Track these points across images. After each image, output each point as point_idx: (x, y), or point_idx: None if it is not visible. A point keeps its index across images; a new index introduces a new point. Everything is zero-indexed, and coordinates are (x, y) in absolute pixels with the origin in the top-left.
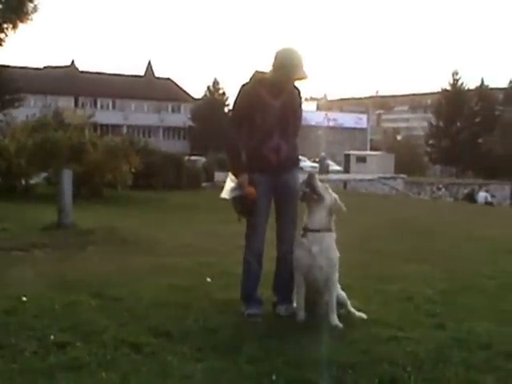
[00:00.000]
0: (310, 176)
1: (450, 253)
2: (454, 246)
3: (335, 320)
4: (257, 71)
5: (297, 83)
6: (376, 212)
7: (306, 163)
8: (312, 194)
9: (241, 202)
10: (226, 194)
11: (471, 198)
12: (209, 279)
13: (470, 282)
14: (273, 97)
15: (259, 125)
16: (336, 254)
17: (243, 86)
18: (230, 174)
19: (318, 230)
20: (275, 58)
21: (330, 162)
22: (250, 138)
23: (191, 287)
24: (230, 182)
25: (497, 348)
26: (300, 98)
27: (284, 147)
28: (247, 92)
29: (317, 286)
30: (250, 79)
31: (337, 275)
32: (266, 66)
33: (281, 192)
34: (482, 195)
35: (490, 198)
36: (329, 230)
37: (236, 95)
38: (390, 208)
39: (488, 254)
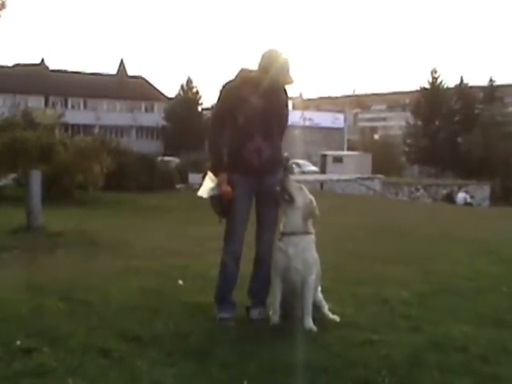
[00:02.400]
0: (284, 177)
1: (427, 254)
2: (431, 247)
3: (310, 323)
4: (243, 69)
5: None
6: (353, 213)
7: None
8: (283, 195)
9: (218, 202)
10: (203, 192)
11: (450, 198)
12: (180, 282)
13: (446, 284)
14: (257, 97)
15: (241, 125)
16: (313, 256)
17: (227, 83)
18: (209, 173)
19: (292, 233)
20: (262, 59)
21: (305, 163)
22: (231, 137)
23: (162, 290)
24: (208, 181)
25: (473, 351)
26: (286, 98)
27: (266, 149)
28: (231, 90)
29: (293, 289)
30: (236, 77)
31: (313, 277)
32: (252, 64)
33: (262, 195)
34: (460, 196)
35: (469, 199)
36: (305, 232)
37: (219, 92)
38: (367, 209)
39: (466, 256)
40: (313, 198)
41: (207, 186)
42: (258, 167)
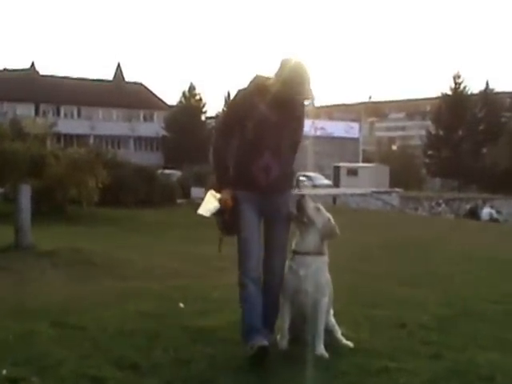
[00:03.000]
0: (301, 198)
1: (449, 275)
2: (453, 267)
3: (321, 349)
4: (258, 76)
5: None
6: (368, 230)
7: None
8: (302, 218)
9: (221, 217)
10: (204, 210)
11: (474, 214)
12: (181, 305)
13: (470, 307)
14: (270, 108)
15: (250, 139)
16: (326, 278)
17: (240, 90)
18: (211, 190)
19: (306, 253)
20: (281, 68)
21: (317, 175)
22: (239, 152)
23: (161, 314)
24: (210, 198)
25: (500, 380)
26: (303, 112)
27: (275, 167)
28: (243, 98)
29: (303, 312)
30: (249, 84)
31: (326, 300)
32: (269, 71)
33: (270, 216)
34: (486, 211)
35: (495, 215)
36: (319, 253)
37: (231, 100)
38: (383, 226)
39: (491, 276)
40: (331, 217)
41: (208, 203)
42: (265, 186)
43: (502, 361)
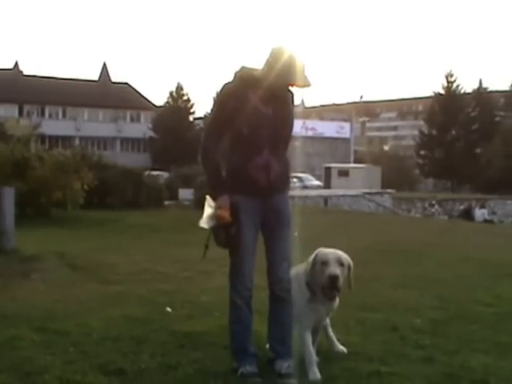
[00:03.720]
0: (334, 278)
1: (442, 277)
2: (446, 269)
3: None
4: (244, 67)
5: (295, 90)
6: (360, 232)
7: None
8: (334, 294)
9: (224, 232)
10: (204, 222)
11: (468, 214)
12: (168, 309)
13: (463, 310)
14: (264, 103)
15: (246, 136)
16: None
17: (226, 84)
18: (208, 198)
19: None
20: (272, 56)
21: (307, 176)
22: (233, 151)
23: (148, 318)
24: (208, 207)
25: None
26: (293, 104)
27: (275, 165)
28: (232, 93)
29: (317, 331)
30: (235, 76)
31: None
32: (256, 63)
33: (270, 219)
34: (480, 212)
35: (489, 215)
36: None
37: (217, 96)
38: (375, 227)
39: (485, 279)
40: (351, 264)
41: (207, 213)
42: (266, 187)
43: (495, 364)
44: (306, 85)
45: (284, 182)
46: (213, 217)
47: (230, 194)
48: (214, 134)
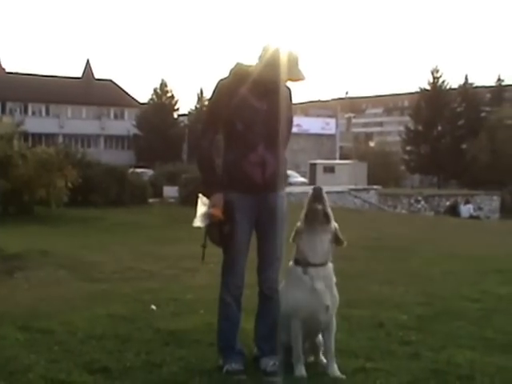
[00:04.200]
0: (318, 189)
1: (429, 273)
2: (432, 265)
3: (336, 370)
4: (238, 64)
5: (290, 84)
6: (345, 228)
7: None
8: (321, 214)
9: (218, 229)
10: (198, 221)
11: (454, 210)
12: (153, 307)
13: (449, 306)
14: (258, 98)
15: (240, 133)
16: (336, 289)
17: (220, 81)
18: (201, 196)
19: (321, 264)
20: (263, 51)
21: (292, 173)
22: (228, 148)
23: (132, 317)
24: (201, 206)
25: (479, 380)
26: (291, 99)
27: (271, 161)
28: (226, 89)
29: (315, 331)
30: (230, 72)
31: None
32: (248, 59)
33: (264, 217)
34: (466, 208)
35: (475, 211)
36: (330, 261)
37: (212, 93)
38: (361, 224)
39: (471, 275)
40: (336, 225)
41: (200, 212)
42: (261, 184)
43: (481, 360)
44: (300, 79)
45: (280, 179)
46: (206, 215)
47: (225, 191)
48: (208, 130)
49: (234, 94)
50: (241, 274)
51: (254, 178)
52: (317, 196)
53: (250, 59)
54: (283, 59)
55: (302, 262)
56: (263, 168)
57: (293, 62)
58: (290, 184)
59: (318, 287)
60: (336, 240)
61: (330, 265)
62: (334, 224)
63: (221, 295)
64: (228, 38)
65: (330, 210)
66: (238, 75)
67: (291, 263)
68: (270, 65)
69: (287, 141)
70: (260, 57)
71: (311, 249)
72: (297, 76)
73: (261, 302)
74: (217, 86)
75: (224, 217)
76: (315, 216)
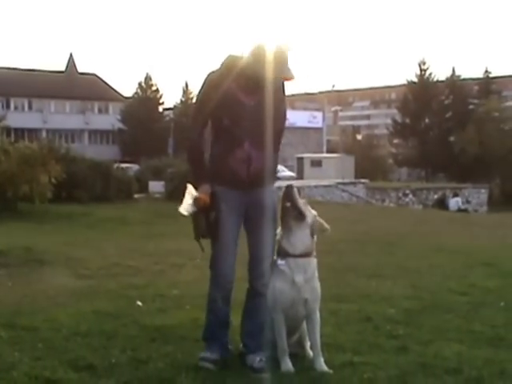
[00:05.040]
0: (289, 188)
1: (416, 267)
2: (420, 259)
3: (322, 365)
4: (231, 55)
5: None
6: (333, 222)
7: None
8: (293, 211)
9: (204, 218)
10: (184, 209)
11: (442, 204)
12: (139, 303)
13: (437, 300)
14: (246, 93)
15: (227, 128)
16: (319, 284)
17: (211, 73)
18: (189, 186)
19: (300, 255)
20: (256, 46)
21: (279, 167)
22: (215, 143)
23: (118, 313)
24: (188, 196)
25: (467, 373)
26: (284, 95)
27: (256, 158)
28: (214, 83)
29: (296, 324)
30: (221, 65)
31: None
32: (239, 51)
33: (252, 213)
34: (454, 201)
35: (463, 204)
36: (312, 254)
37: (201, 85)
38: (349, 218)
39: (459, 268)
40: (316, 213)
41: (187, 201)
42: (246, 180)
43: (469, 353)
44: (289, 78)
45: (267, 176)
46: (193, 201)
47: (212, 184)
48: (197, 123)
49: (223, 89)
50: (230, 269)
51: (239, 173)
52: (286, 194)
53: (239, 51)
54: (274, 56)
55: (282, 254)
56: (248, 164)
57: (283, 61)
58: (278, 178)
59: (296, 279)
60: (318, 230)
61: (313, 259)
62: (312, 216)
63: (209, 291)
64: (214, 31)
65: (303, 205)
66: (229, 69)
67: (275, 257)
68: (261, 61)
69: (280, 136)
70: (251, 52)
71: (289, 242)
72: (286, 75)
73: (250, 299)
74: (206, 79)
75: (210, 205)
76: (286, 214)
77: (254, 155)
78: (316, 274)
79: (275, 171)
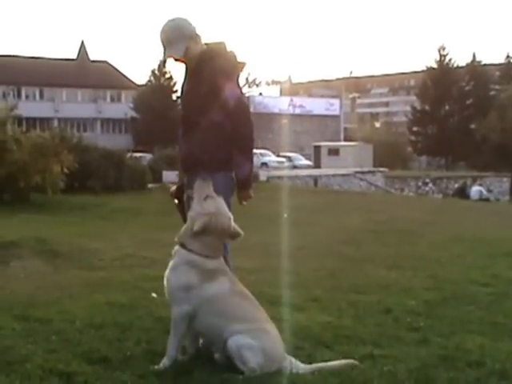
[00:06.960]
0: (200, 179)
1: (437, 257)
2: (441, 249)
3: (163, 363)
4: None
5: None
6: (351, 212)
7: (270, 158)
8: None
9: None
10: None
11: (463, 193)
12: (154, 295)
13: (459, 291)
14: (187, 81)
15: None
16: (176, 280)
17: None
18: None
19: (176, 242)
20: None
21: (296, 156)
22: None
23: (132, 305)
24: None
25: (490, 366)
26: (214, 82)
27: (182, 146)
28: None
29: None
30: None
31: (178, 311)
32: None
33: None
34: (475, 190)
35: (485, 193)
36: (182, 245)
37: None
38: (367, 207)
39: (482, 258)
40: (231, 216)
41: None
42: (181, 166)
43: (491, 345)
44: (174, 56)
45: (191, 164)
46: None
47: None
48: None
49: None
50: None
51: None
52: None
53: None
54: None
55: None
56: (180, 151)
57: (170, 37)
58: (296, 167)
59: (197, 290)
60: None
61: (182, 251)
62: (205, 211)
63: None
64: (228, 19)
65: (196, 197)
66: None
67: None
68: (204, 51)
69: (195, 126)
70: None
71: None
72: (173, 53)
73: None
74: None
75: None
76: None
77: (181, 142)
78: (179, 269)
79: (201, 160)
